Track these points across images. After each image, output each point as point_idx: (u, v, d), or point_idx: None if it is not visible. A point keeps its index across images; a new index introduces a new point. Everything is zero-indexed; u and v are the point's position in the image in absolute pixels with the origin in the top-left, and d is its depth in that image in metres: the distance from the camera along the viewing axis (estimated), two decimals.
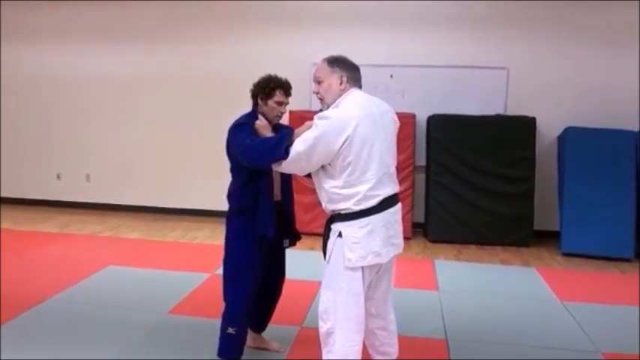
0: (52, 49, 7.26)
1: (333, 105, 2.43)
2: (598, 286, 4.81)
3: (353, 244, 2.32)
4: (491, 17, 6.29)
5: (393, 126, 2.53)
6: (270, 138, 2.62)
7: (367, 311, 2.52)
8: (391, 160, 2.46)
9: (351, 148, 2.27)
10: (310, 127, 2.37)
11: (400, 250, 2.53)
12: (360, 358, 2.42)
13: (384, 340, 2.63)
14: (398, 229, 2.49)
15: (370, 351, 2.67)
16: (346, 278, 2.35)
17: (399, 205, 2.50)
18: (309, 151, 2.31)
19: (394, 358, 2.66)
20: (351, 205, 2.32)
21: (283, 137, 2.48)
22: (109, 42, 7.06)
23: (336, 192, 2.34)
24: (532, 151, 6.03)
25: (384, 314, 2.61)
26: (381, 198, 2.35)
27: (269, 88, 2.81)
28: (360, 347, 2.44)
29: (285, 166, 2.43)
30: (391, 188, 2.42)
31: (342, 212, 2.35)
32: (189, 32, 6.86)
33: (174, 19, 6.88)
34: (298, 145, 2.34)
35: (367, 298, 2.51)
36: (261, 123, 2.75)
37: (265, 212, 2.78)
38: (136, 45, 7.02)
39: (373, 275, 2.47)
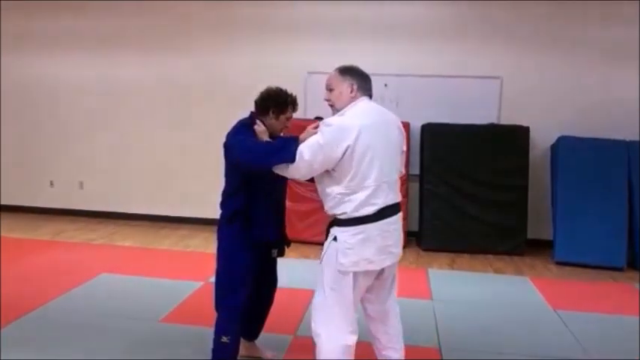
0: (47, 58, 7.24)
1: (340, 113, 2.48)
2: (591, 295, 4.83)
3: (346, 249, 2.36)
4: (485, 27, 6.34)
5: (398, 136, 2.56)
6: (277, 141, 2.62)
7: (368, 315, 2.63)
8: (392, 170, 2.49)
9: (353, 155, 2.33)
10: (312, 133, 2.44)
11: (397, 258, 2.56)
12: (349, 359, 2.46)
13: (386, 344, 2.68)
14: (397, 237, 2.53)
15: (376, 352, 2.74)
16: (335, 281, 2.41)
17: (399, 215, 2.53)
18: (312, 156, 2.36)
19: None
20: (348, 211, 2.36)
21: (290, 141, 2.49)
22: (103, 51, 7.05)
23: (338, 197, 2.39)
24: (525, 161, 6.06)
25: (385, 319, 2.67)
26: (378, 207, 2.39)
27: (285, 103, 2.81)
28: (349, 348, 2.47)
29: (290, 170, 2.45)
30: (391, 197, 2.45)
31: (341, 217, 2.40)
32: (185, 42, 6.87)
33: (170, 29, 6.89)
34: (303, 150, 2.38)
35: (368, 302, 2.61)
36: (259, 128, 2.75)
37: (264, 217, 2.78)
38: (131, 54, 7.02)
39: (368, 281, 2.49)
